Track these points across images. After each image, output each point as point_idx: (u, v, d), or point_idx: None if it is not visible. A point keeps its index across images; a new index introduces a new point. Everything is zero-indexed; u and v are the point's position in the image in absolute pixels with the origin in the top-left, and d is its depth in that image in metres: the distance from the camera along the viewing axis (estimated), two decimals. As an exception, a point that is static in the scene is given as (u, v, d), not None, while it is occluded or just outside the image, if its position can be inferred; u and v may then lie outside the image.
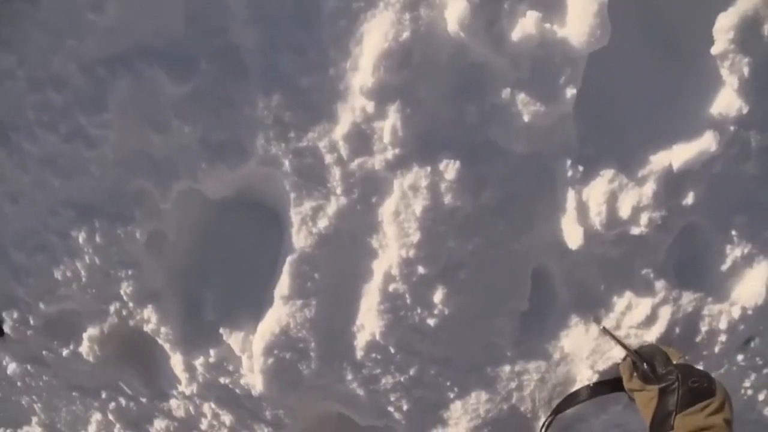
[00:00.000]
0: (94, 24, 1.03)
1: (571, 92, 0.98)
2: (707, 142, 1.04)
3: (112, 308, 1.28)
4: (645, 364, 1.12)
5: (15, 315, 1.33)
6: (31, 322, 1.33)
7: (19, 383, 1.47)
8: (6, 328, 1.36)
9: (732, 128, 1.05)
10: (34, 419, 1.55)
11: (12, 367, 1.44)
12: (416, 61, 0.95)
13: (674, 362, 1.11)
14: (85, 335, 1.33)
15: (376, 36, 0.95)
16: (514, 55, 0.95)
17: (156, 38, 1.03)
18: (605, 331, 1.20)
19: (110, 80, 1.06)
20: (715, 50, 1.01)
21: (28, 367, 1.43)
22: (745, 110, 1.04)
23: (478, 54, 0.96)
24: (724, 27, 1.00)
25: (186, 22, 1.02)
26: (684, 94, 1.05)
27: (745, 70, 1.02)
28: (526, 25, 0.94)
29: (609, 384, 1.25)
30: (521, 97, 0.99)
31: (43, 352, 1.38)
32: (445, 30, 0.94)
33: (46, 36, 1.06)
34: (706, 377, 1.09)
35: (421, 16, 0.94)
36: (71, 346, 1.35)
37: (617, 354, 1.25)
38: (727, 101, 1.04)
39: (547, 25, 0.94)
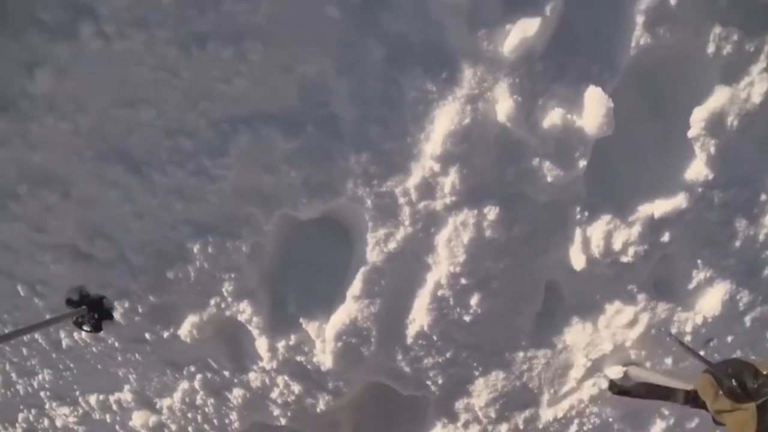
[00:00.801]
0: (224, 93, 1.50)
1: (582, 163, 1.51)
2: (681, 200, 1.59)
3: (212, 301, 1.80)
4: (732, 380, 1.06)
5: (126, 304, 1.84)
6: (140, 309, 1.83)
7: (119, 357, 1.97)
8: (116, 315, 1.85)
9: (700, 189, 1.60)
10: (126, 387, 2.07)
11: (116, 345, 1.93)
12: (473, 138, 1.47)
13: (764, 373, 1.05)
14: (185, 322, 1.84)
15: (445, 119, 1.45)
16: (544, 137, 1.47)
17: (273, 106, 1.52)
18: (683, 346, 1.23)
19: (232, 134, 1.55)
20: (690, 134, 1.54)
21: (131, 345, 1.92)
22: (710, 177, 1.58)
23: (517, 135, 1.47)
24: (698, 118, 1.52)
25: (298, 96, 1.50)
26: (666, 163, 1.59)
27: (712, 149, 1.55)
28: (554, 117, 1.45)
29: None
30: (546, 164, 1.51)
31: (146, 334, 1.89)
32: (495, 118, 1.45)
33: (183, 98, 1.52)
34: None
35: (479, 108, 1.44)
36: (172, 330, 1.87)
37: (607, 347, 1.81)
38: (698, 170, 1.59)
39: (569, 116, 1.44)
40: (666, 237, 1.67)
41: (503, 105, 1.42)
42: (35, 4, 1.49)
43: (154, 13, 1.43)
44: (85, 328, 1.87)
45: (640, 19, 1.41)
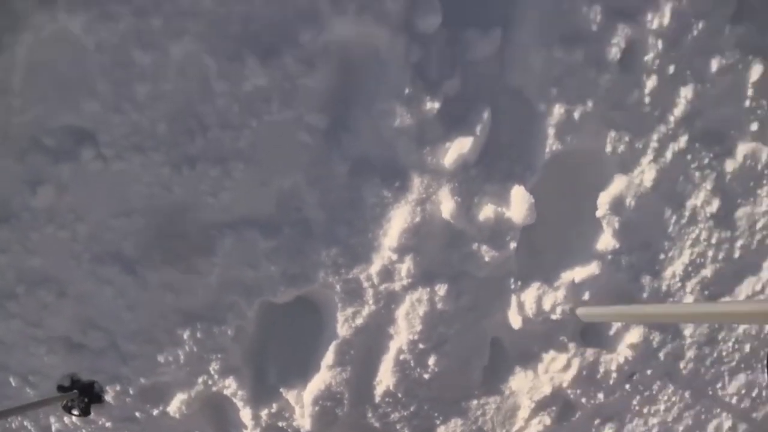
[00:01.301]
0: (211, 204, 1.86)
1: (513, 245, 1.97)
2: (595, 266, 2.08)
3: (200, 379, 2.14)
4: None
5: (117, 387, 2.14)
6: (131, 391, 2.14)
7: (109, 436, 2.25)
8: (107, 398, 2.14)
9: (609, 257, 2.08)
10: (116, 460, 2.34)
11: (107, 426, 2.22)
12: (423, 233, 1.90)
13: None
14: (174, 399, 2.16)
15: (399, 218, 1.89)
16: (480, 227, 1.93)
17: (254, 213, 1.91)
18: None
19: (219, 237, 1.91)
20: (598, 214, 2.01)
21: (122, 424, 2.21)
22: (617, 246, 2.07)
23: (459, 227, 1.91)
24: (603, 201, 2.01)
25: (276, 204, 1.89)
26: (581, 238, 2.08)
27: (616, 225, 2.05)
28: (487, 211, 1.92)
29: None
30: (484, 248, 1.96)
31: (136, 413, 2.20)
32: (440, 216, 1.89)
33: (175, 209, 1.88)
34: None
35: (426, 208, 1.88)
36: (161, 407, 2.18)
37: (547, 389, 2.25)
38: (606, 241, 2.07)
39: (499, 210, 1.89)
40: (586, 296, 2.14)
41: (446, 205, 1.86)
42: (40, 129, 1.81)
43: (150, 140, 1.80)
44: (75, 412, 2.14)
45: (551, 131, 1.89)
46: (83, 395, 2.13)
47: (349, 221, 1.93)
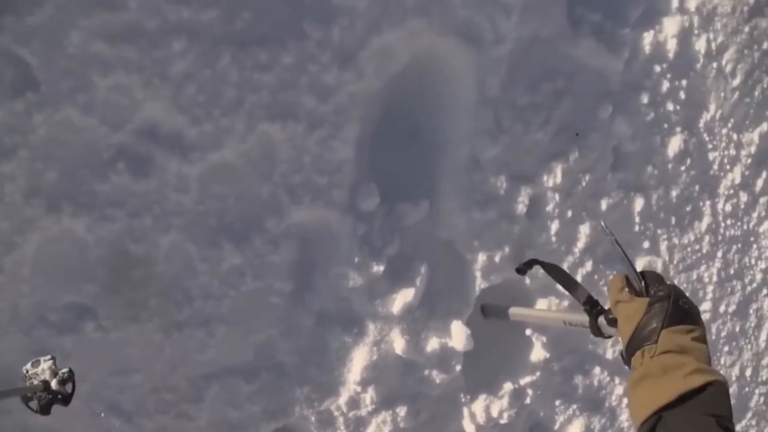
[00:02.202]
0: (198, 359, 2.01)
1: (458, 367, 2.16)
2: (532, 375, 2.25)
3: None
4: (642, 281, 1.21)
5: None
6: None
7: None
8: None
9: (543, 365, 2.27)
10: None
11: None
12: (381, 367, 2.07)
13: (668, 284, 1.19)
14: None
15: (360, 358, 2.07)
16: (429, 356, 2.12)
17: (235, 363, 2.05)
18: (612, 238, 1.32)
19: (206, 386, 2.05)
20: (527, 332, 2.20)
21: None
22: (548, 356, 2.27)
23: (411, 359, 2.09)
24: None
25: (254, 354, 2.04)
26: (517, 352, 2.26)
27: (544, 339, 2.23)
28: (433, 344, 2.10)
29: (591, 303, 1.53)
30: (434, 372, 2.14)
31: None
32: (394, 352, 2.06)
33: (166, 365, 2.01)
34: (695, 307, 1.17)
35: (382, 347, 2.06)
36: None
37: None
38: (538, 353, 2.27)
39: (443, 341, 2.09)
40: (528, 400, 2.32)
41: (398, 343, 2.05)
42: (45, 308, 1.96)
43: (143, 312, 1.93)
44: (32, 406, 1.59)
45: (478, 273, 2.12)
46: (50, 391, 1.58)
47: (318, 363, 2.08)
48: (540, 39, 2.03)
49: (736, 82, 2.43)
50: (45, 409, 1.61)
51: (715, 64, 2.37)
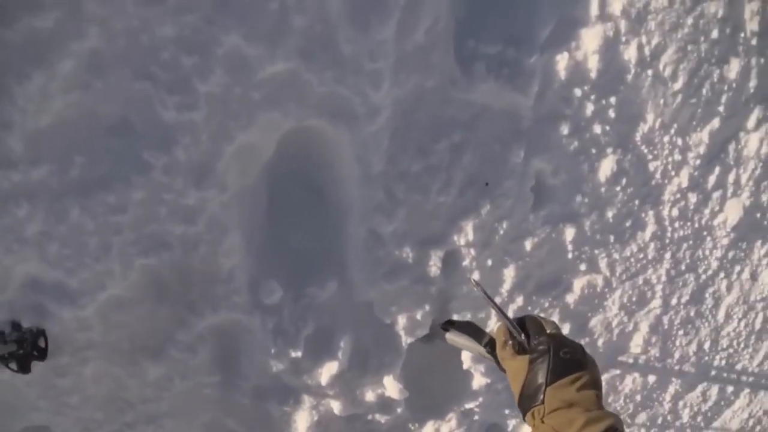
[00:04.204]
0: None
1: (399, 410, 1.86)
2: (475, 401, 1.94)
3: None
4: (522, 333, 1.01)
5: None
6: None
7: None
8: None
9: (485, 390, 1.94)
10: None
11: None
12: (325, 424, 1.82)
13: (547, 332, 1.01)
14: None
15: (302, 421, 1.80)
16: (369, 405, 1.82)
17: None
18: (485, 295, 1.09)
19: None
20: (464, 366, 1.88)
21: None
22: (489, 381, 1.93)
23: (352, 412, 1.82)
24: (465, 357, 1.86)
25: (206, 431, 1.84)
26: (460, 381, 1.93)
27: (482, 369, 1.89)
28: (370, 397, 1.80)
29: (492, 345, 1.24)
30: (377, 415, 1.86)
31: None
32: (333, 412, 1.79)
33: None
34: (578, 349, 0.97)
35: (321, 409, 1.79)
36: None
37: None
38: (479, 381, 1.93)
39: (380, 392, 1.81)
40: (476, 417, 2.03)
41: (335, 405, 1.77)
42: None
43: (92, 422, 1.63)
44: (12, 366, 1.40)
45: (402, 332, 1.75)
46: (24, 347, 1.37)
47: (266, 429, 1.89)
48: (426, 92, 1.47)
49: (678, 85, 1.76)
50: (24, 367, 1.41)
51: (650, 71, 1.70)
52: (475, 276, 1.63)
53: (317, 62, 1.35)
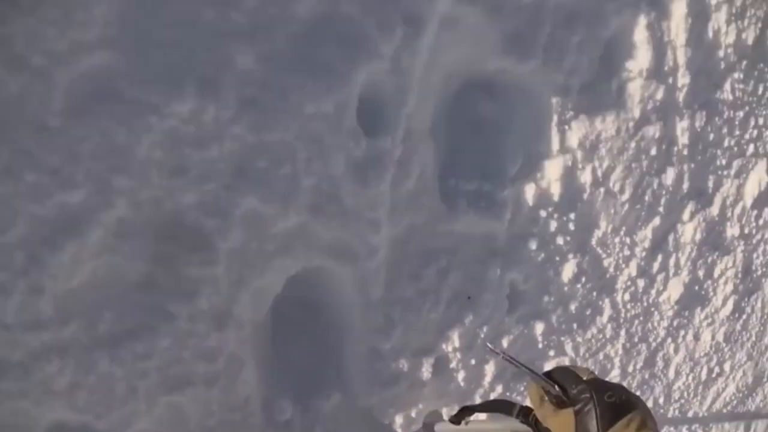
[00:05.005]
0: None
1: None
2: None
3: None
4: (556, 386, 0.92)
5: None
6: None
7: None
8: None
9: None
10: None
11: None
12: None
13: (584, 379, 0.92)
14: None
15: None
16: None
17: None
18: (507, 358, 1.01)
19: None
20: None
21: None
22: None
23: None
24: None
25: None
26: None
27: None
28: None
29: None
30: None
31: None
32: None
33: None
34: (621, 390, 0.89)
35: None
36: None
37: None
38: None
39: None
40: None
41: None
42: None
43: None
44: None
45: (399, 429, 1.95)
46: None
47: None
48: (416, 228, 1.69)
49: (626, 196, 2.08)
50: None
51: (602, 189, 2.01)
52: (490, 343, 1.43)
53: (324, 214, 1.54)
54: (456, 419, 1.42)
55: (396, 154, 1.56)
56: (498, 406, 1.30)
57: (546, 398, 0.92)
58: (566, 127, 1.85)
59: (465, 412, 1.41)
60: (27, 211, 1.30)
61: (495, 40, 1.68)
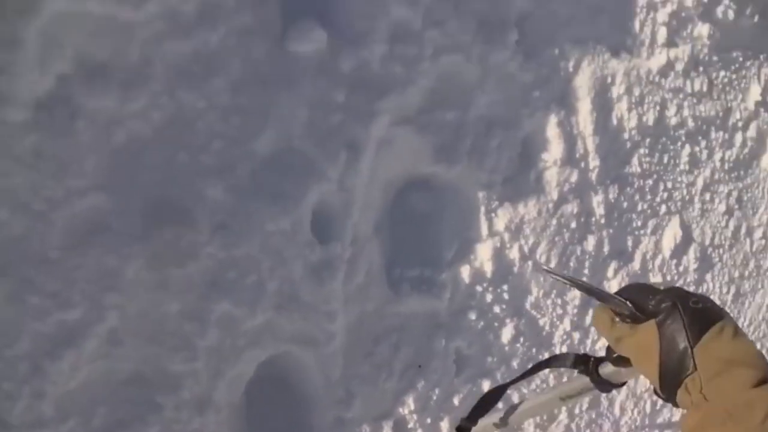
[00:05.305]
0: None
1: None
2: None
3: None
4: (628, 302, 0.77)
5: None
6: None
7: None
8: None
9: None
10: None
11: None
12: None
13: (661, 289, 0.77)
14: None
15: None
16: None
17: None
18: (568, 279, 0.88)
19: None
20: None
21: None
22: None
23: None
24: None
25: None
26: None
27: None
28: None
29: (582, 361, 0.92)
30: None
31: None
32: None
33: None
34: (706, 296, 0.76)
35: None
36: None
37: None
38: None
39: None
40: None
41: None
42: None
43: None
44: None
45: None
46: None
47: None
48: (368, 314, 1.99)
49: (552, 265, 2.42)
50: None
51: (530, 262, 2.34)
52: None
53: (287, 311, 1.83)
54: (466, 425, 1.20)
55: (346, 256, 1.87)
56: (548, 364, 1.14)
57: (617, 318, 0.79)
58: (493, 214, 2.19)
59: (492, 395, 1.21)
60: (30, 328, 1.57)
61: (426, 152, 2.03)
